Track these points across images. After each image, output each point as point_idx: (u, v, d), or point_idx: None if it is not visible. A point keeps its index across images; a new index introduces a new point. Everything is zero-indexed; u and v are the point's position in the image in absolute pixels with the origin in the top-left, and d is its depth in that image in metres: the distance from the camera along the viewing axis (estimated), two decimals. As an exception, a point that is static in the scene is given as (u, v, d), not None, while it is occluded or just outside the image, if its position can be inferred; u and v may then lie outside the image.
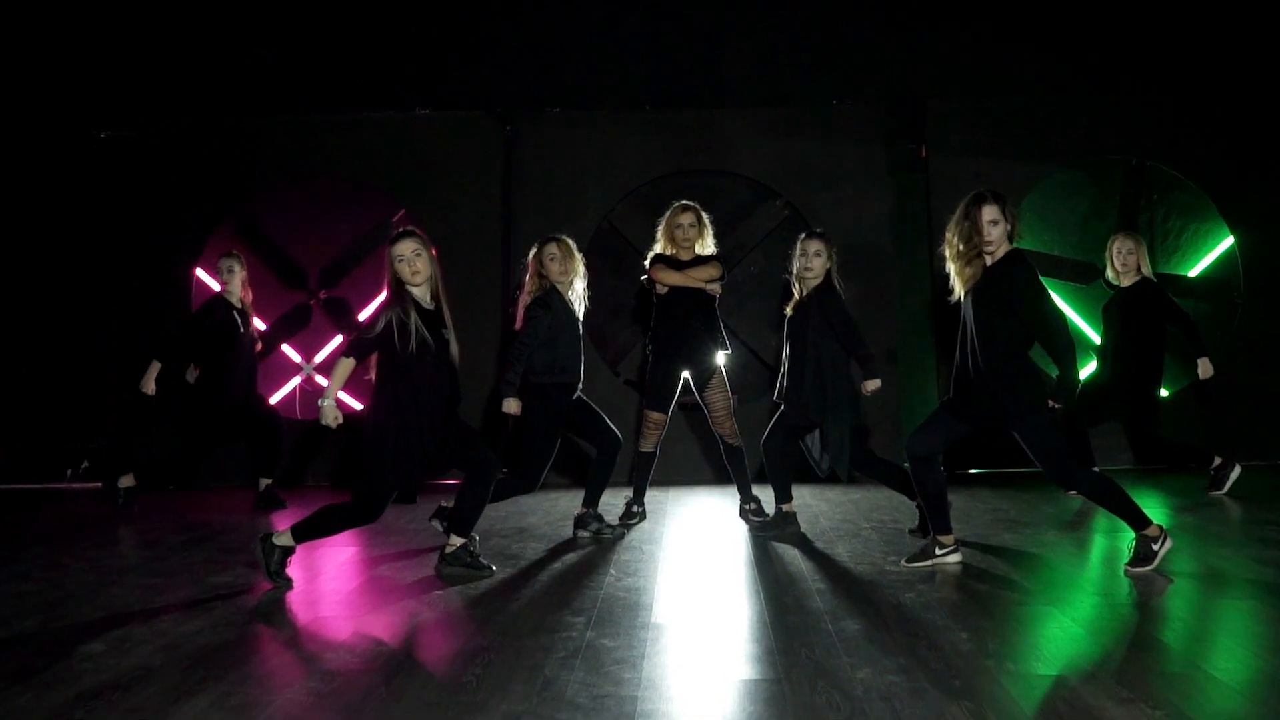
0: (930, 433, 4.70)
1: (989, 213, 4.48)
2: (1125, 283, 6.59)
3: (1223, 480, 6.56)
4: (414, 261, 4.69)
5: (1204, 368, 6.58)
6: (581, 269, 5.69)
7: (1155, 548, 4.55)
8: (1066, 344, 4.44)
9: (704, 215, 6.11)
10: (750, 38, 8.27)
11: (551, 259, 5.58)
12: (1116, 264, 6.58)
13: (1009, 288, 4.47)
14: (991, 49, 8.18)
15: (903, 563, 4.79)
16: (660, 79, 8.31)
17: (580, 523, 5.78)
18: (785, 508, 5.70)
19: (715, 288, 5.98)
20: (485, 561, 4.85)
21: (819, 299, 5.45)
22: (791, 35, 8.25)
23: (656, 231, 6.15)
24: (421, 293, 4.74)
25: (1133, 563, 4.56)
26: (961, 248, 4.54)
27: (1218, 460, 6.61)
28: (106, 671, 3.46)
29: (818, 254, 5.48)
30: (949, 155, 8.11)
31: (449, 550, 4.83)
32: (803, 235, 5.62)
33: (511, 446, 5.78)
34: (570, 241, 5.69)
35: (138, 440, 7.04)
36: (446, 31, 8.27)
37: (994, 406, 4.53)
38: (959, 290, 4.63)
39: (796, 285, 5.59)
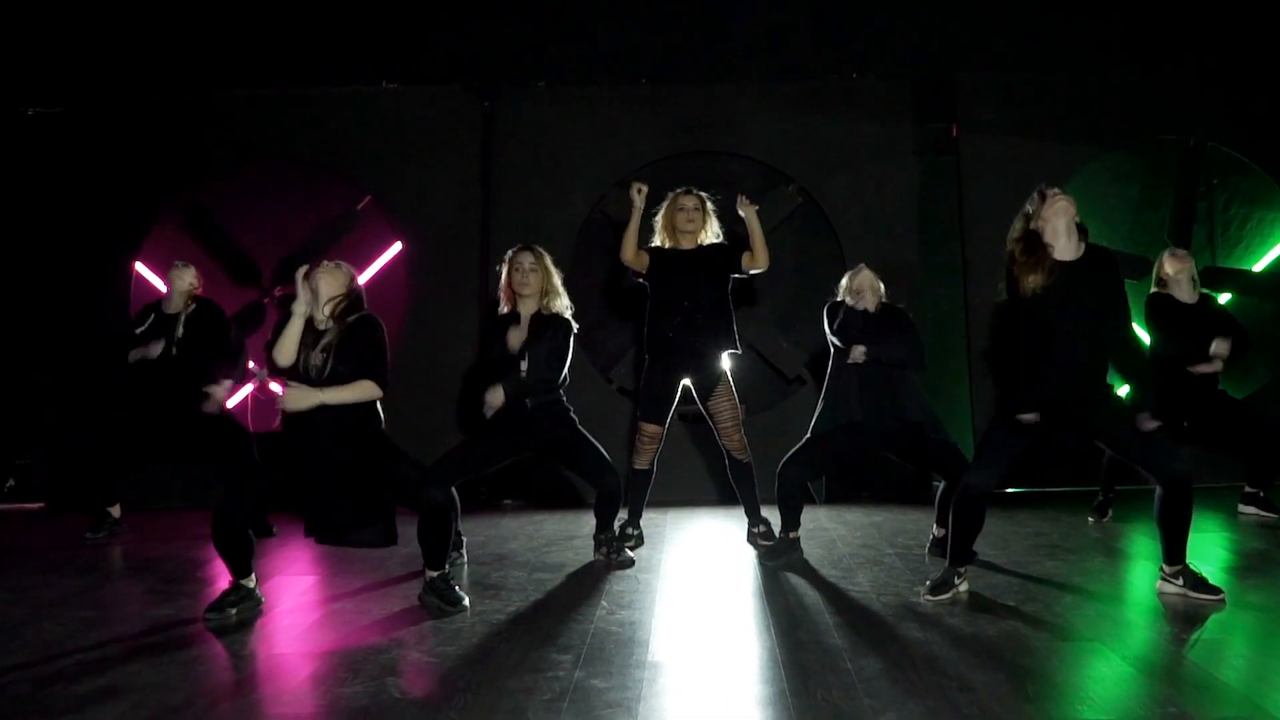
0: (995, 465, 4.74)
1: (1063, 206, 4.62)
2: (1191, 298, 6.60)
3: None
4: (315, 279, 4.83)
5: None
6: (543, 285, 5.66)
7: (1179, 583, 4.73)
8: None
9: (709, 202, 6.11)
10: (760, 4, 8.28)
11: (517, 269, 5.61)
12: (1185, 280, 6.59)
13: (1110, 277, 4.63)
14: (1029, 16, 8.20)
15: (925, 596, 4.80)
16: (659, 50, 8.32)
17: (597, 544, 5.87)
18: (793, 535, 5.77)
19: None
20: (460, 594, 4.86)
21: (896, 319, 5.73)
22: (806, 2, 8.26)
23: (654, 222, 6.15)
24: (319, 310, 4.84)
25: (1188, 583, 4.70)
26: (1021, 257, 4.63)
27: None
28: (35, 716, 3.46)
29: (874, 281, 5.79)
30: (982, 135, 8.12)
31: (428, 578, 4.87)
32: (850, 274, 5.86)
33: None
34: (541, 255, 5.69)
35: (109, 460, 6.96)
36: (417, -4, 8.28)
37: (1088, 409, 4.65)
38: (1029, 285, 4.64)
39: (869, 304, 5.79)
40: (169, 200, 8.30)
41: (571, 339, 5.61)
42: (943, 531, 5.68)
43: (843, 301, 5.77)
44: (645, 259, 6.00)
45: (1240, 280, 8.17)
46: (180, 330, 6.67)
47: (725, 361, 6.06)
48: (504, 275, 5.66)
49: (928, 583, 4.89)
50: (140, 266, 8.29)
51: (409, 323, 8.05)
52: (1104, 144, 8.20)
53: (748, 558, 5.86)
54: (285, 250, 8.28)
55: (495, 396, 5.42)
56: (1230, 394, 6.81)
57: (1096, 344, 4.65)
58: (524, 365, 5.49)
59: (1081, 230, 4.66)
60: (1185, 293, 6.54)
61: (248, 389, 8.35)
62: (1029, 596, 4.78)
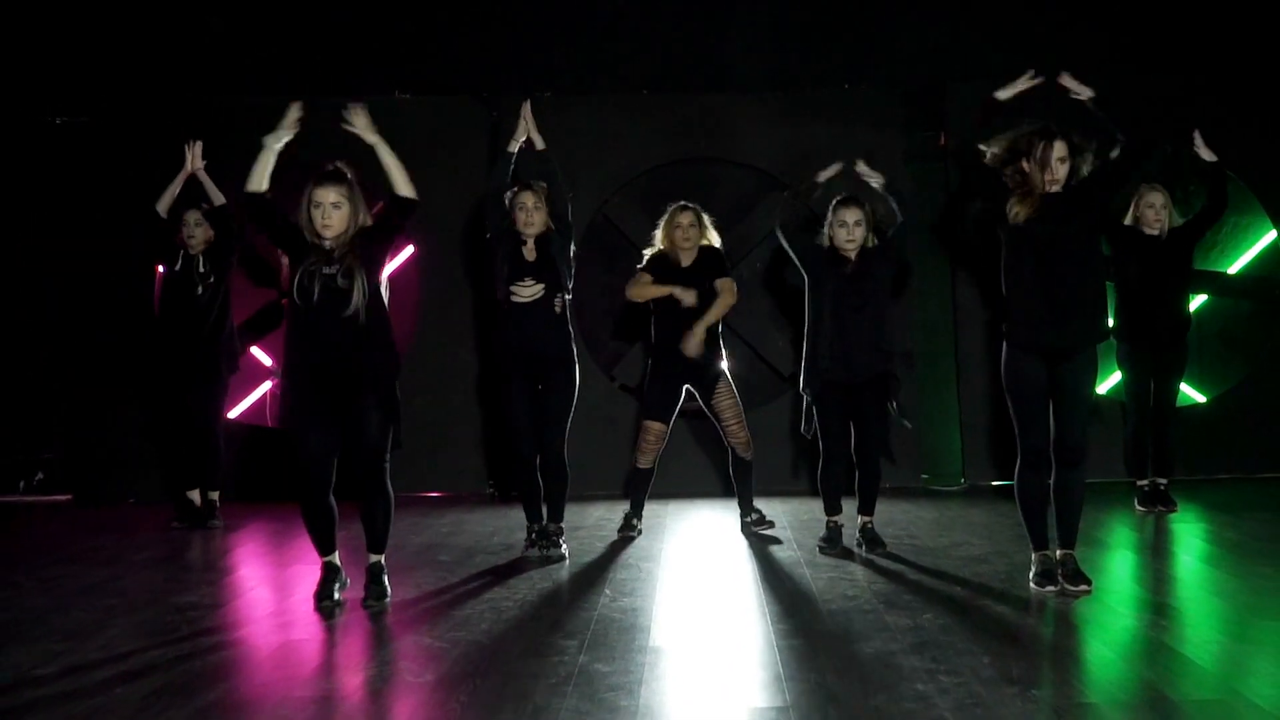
0: (1046, 421, 4.60)
1: (1059, 150, 4.58)
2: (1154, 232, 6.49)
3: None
4: (330, 213, 4.55)
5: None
6: (547, 223, 5.64)
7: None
8: None
9: (704, 215, 6.15)
10: (756, 16, 8.25)
11: (520, 209, 5.60)
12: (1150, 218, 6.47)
13: (1097, 201, 4.61)
14: (1016, 28, 8.17)
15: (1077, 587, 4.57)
16: (659, 60, 8.30)
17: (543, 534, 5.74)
18: (836, 520, 5.71)
19: (690, 298, 5.97)
20: (389, 587, 4.78)
21: (879, 260, 5.54)
22: (800, 14, 8.24)
23: (656, 233, 6.18)
24: (329, 244, 4.58)
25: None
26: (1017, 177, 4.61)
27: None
28: (61, 700, 3.46)
29: (859, 224, 5.49)
30: (971, 142, 8.09)
31: (373, 560, 4.78)
32: (835, 202, 5.58)
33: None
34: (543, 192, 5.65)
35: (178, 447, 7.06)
36: (427, 9, 8.26)
37: (1074, 333, 4.57)
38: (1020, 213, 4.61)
39: (847, 249, 5.53)
40: (190, 205, 8.27)
41: (571, 246, 5.67)
42: (865, 519, 5.70)
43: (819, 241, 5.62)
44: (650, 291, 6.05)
45: (1216, 282, 8.17)
46: (202, 269, 6.89)
47: (723, 363, 6.08)
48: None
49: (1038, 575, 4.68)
50: (163, 268, 8.26)
51: (421, 322, 8.04)
52: (1087, 150, 8.16)
53: (745, 548, 5.86)
54: (301, 252, 8.25)
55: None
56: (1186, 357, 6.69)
57: (1086, 272, 4.61)
58: (534, 282, 5.55)
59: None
60: (1155, 228, 6.45)
61: (266, 385, 8.35)
62: (1013, 584, 4.78)
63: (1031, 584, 4.63)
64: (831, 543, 5.64)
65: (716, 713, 3.26)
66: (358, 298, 4.50)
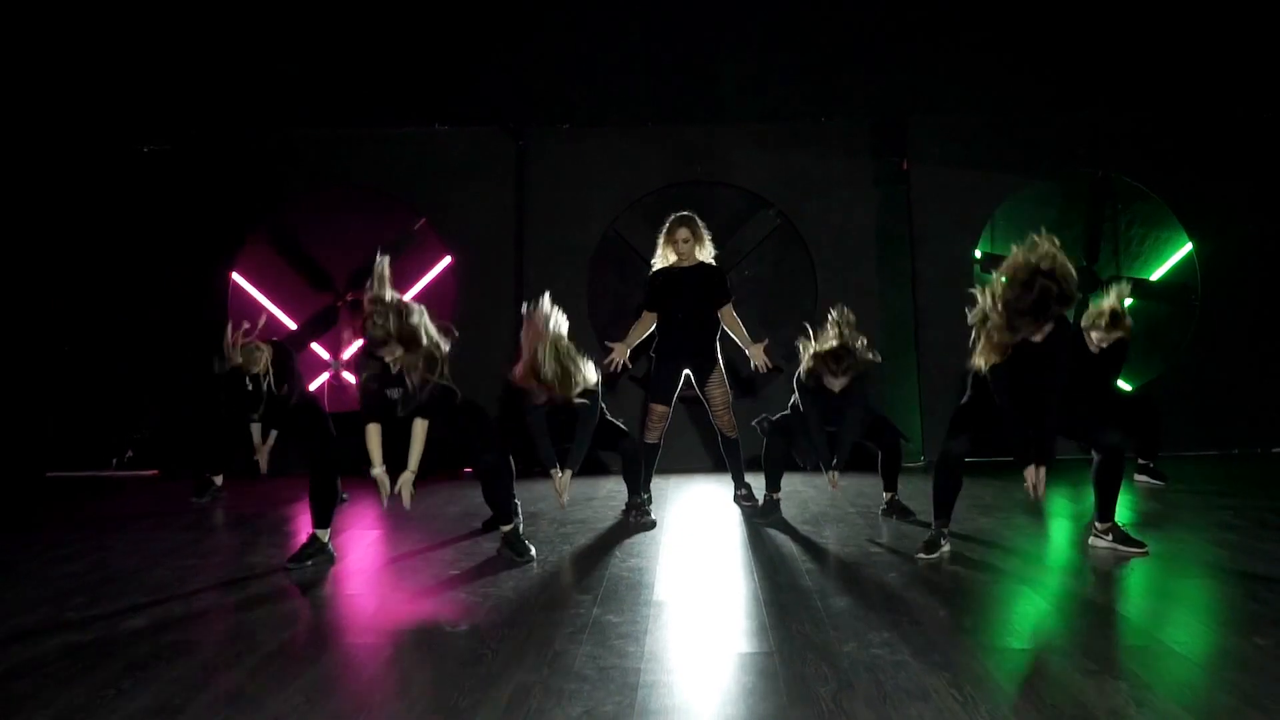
0: (968, 435, 4.64)
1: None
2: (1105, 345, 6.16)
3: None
4: (393, 349, 4.67)
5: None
6: (557, 368, 5.18)
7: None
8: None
9: (700, 225, 6.07)
10: (745, 59, 8.28)
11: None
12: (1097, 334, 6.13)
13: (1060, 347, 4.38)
14: (969, 69, 8.19)
15: (917, 555, 4.54)
16: (662, 97, 8.31)
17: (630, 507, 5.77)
18: (775, 496, 5.74)
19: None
20: (528, 545, 4.79)
21: (860, 384, 5.37)
22: (783, 57, 8.26)
23: (658, 241, 6.14)
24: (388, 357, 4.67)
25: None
26: (1008, 320, 4.28)
27: None
28: (149, 645, 3.47)
29: (840, 363, 5.28)
30: (929, 168, 8.11)
31: (505, 530, 4.81)
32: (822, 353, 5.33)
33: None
34: (559, 347, 5.22)
35: (220, 434, 6.92)
36: (464, 52, 8.28)
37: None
38: (984, 363, 4.38)
39: (827, 368, 5.31)
40: (259, 221, 8.31)
41: (599, 408, 5.40)
42: (890, 495, 5.68)
43: (808, 385, 5.44)
44: (650, 322, 6.04)
45: (1141, 288, 8.15)
46: (267, 387, 6.54)
47: (719, 355, 6.06)
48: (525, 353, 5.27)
49: (921, 543, 4.65)
50: (236, 276, 8.30)
51: (457, 323, 8.02)
52: (1029, 175, 8.17)
53: (735, 515, 5.85)
54: (354, 263, 8.28)
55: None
56: (1119, 394, 6.53)
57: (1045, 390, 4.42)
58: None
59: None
60: (1091, 342, 6.15)
61: (324, 376, 8.36)
62: (967, 547, 4.77)
63: (920, 555, 4.53)
64: (766, 512, 5.67)
65: (711, 657, 3.25)
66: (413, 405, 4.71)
